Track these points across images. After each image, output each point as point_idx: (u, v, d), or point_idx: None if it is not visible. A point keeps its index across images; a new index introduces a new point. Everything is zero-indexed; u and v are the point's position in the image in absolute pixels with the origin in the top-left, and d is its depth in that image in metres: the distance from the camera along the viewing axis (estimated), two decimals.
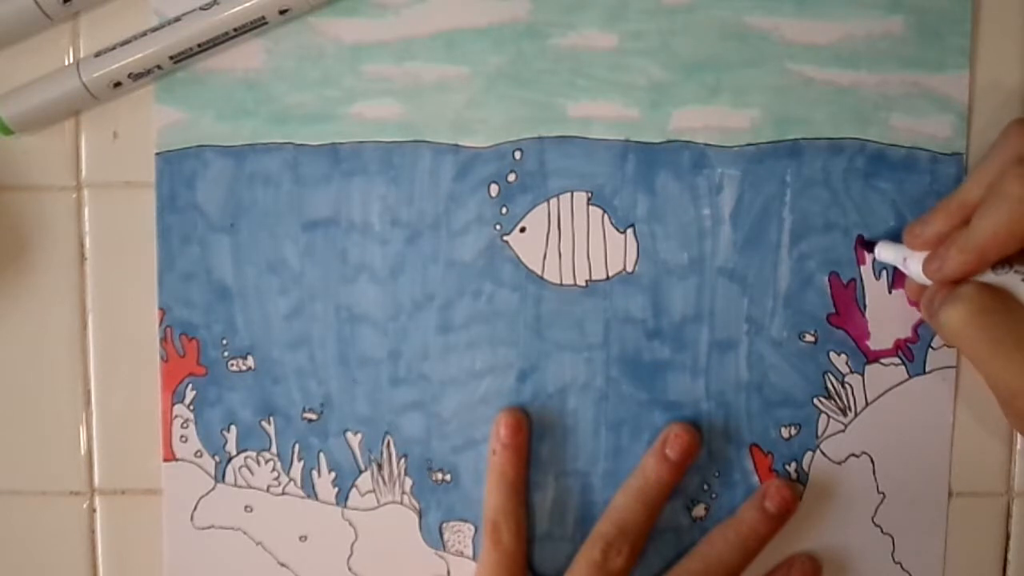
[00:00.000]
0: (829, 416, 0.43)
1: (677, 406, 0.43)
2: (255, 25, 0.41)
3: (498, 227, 0.43)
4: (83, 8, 0.42)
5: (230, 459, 0.44)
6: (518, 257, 0.43)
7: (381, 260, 0.43)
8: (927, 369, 0.43)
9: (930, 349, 0.43)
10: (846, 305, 0.43)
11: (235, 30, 0.41)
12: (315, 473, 0.44)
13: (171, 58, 0.41)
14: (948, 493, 0.43)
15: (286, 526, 0.44)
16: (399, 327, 0.43)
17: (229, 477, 0.44)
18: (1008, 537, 0.44)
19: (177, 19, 0.41)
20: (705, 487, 0.43)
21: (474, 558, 0.44)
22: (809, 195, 0.42)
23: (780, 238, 0.43)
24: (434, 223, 0.43)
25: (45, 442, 0.44)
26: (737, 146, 0.42)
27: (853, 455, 0.43)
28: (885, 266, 0.42)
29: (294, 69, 0.42)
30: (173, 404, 0.43)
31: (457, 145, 0.42)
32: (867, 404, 0.43)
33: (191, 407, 0.43)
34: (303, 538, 0.44)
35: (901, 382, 0.43)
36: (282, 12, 0.41)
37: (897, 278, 0.42)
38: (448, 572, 0.44)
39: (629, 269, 0.43)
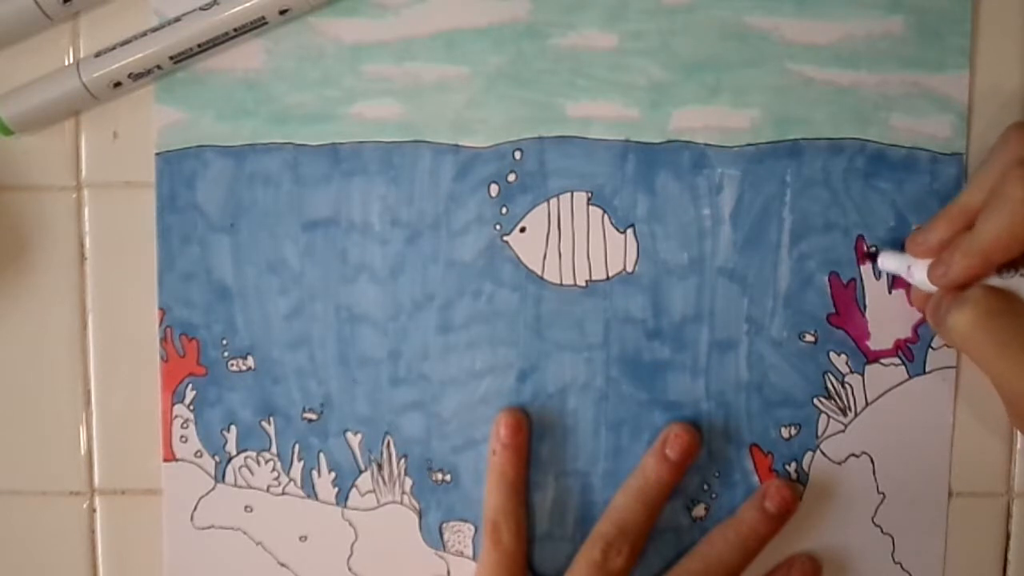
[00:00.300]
0: (829, 416, 0.43)
1: (677, 406, 0.43)
2: (255, 25, 0.41)
3: (498, 227, 0.43)
4: (83, 8, 0.42)
5: (230, 459, 0.44)
6: (518, 257, 0.43)
7: (381, 260, 0.43)
8: (927, 369, 0.43)
9: (930, 349, 0.43)
10: (846, 305, 0.43)
11: (235, 30, 0.41)
12: (315, 473, 0.44)
13: (171, 58, 0.41)
14: (948, 493, 0.43)
15: (286, 526, 0.44)
16: (399, 327, 0.43)
17: (229, 477, 0.44)
18: (1008, 537, 0.44)
19: (177, 19, 0.41)
20: (705, 487, 0.43)
21: (474, 558, 0.44)
22: (809, 195, 0.42)
23: (780, 238, 0.43)
24: (434, 223, 0.43)
25: (45, 442, 0.44)
26: (737, 146, 0.42)
27: (853, 455, 0.43)
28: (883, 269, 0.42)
29: (294, 69, 0.42)
30: (173, 404, 0.43)
31: (457, 145, 0.42)
32: (867, 404, 0.43)
33: (191, 407, 0.43)
34: (303, 538, 0.44)
35: (901, 382, 0.43)
36: (282, 12, 0.41)
37: (897, 279, 0.42)
38: (448, 572, 0.44)
39: (629, 269, 0.43)
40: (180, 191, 0.43)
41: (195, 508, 0.44)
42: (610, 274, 0.43)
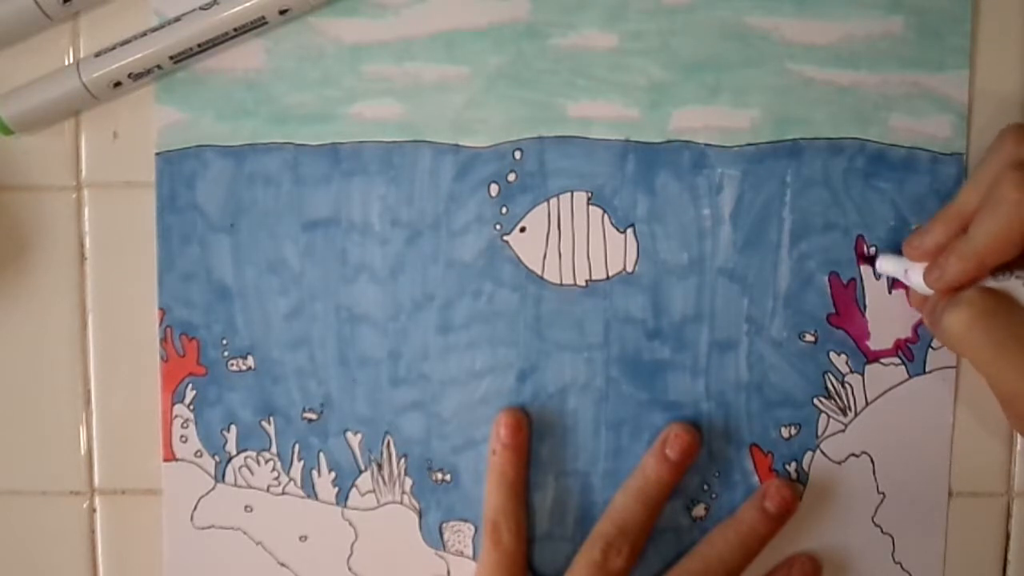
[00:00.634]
0: (829, 416, 0.43)
1: (677, 406, 0.43)
2: (255, 25, 0.41)
3: (498, 227, 0.43)
4: (83, 8, 0.42)
5: (230, 459, 0.44)
6: (518, 257, 0.43)
7: (381, 260, 0.43)
8: (927, 369, 0.43)
9: (930, 349, 0.43)
10: (846, 305, 0.43)
11: (235, 30, 0.41)
12: (315, 473, 0.44)
13: (171, 58, 0.41)
14: (948, 493, 0.43)
15: (286, 526, 0.44)
16: (399, 327, 0.43)
17: (229, 477, 0.44)
18: (1008, 537, 0.44)
19: (177, 19, 0.41)
20: (705, 487, 0.43)
21: (474, 558, 0.44)
22: (809, 195, 0.42)
23: (780, 238, 0.43)
24: (434, 223, 0.43)
25: (45, 442, 0.44)
26: (737, 146, 0.42)
27: (853, 455, 0.43)
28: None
29: (294, 69, 0.42)
30: (173, 404, 0.44)
31: (457, 145, 0.42)
32: (867, 404, 0.43)
33: (191, 407, 0.43)
34: (303, 538, 0.44)
35: (901, 382, 0.43)
36: (282, 12, 0.41)
37: (897, 279, 0.42)
38: (448, 572, 0.44)
39: (629, 269, 0.43)
40: (180, 191, 0.43)
41: (195, 508, 0.44)
42: (610, 274, 0.43)
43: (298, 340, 0.43)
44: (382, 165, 0.43)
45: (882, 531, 0.43)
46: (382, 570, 0.44)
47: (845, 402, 0.43)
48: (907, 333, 0.43)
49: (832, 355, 0.43)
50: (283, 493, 0.44)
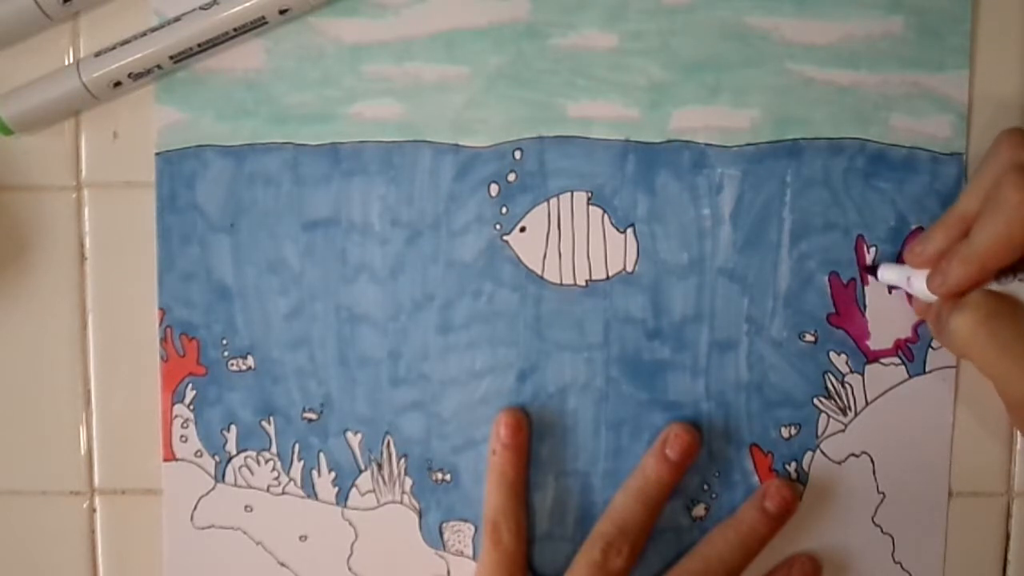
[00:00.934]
0: (829, 416, 0.43)
1: (677, 406, 0.43)
2: (255, 25, 0.41)
3: (498, 227, 0.43)
4: (83, 8, 0.42)
5: (230, 459, 0.44)
6: (518, 257, 0.43)
7: (381, 260, 0.43)
8: (927, 369, 0.43)
9: (930, 349, 0.43)
10: (846, 305, 0.43)
11: (235, 30, 0.41)
12: (315, 473, 0.44)
13: (171, 58, 0.41)
14: (948, 493, 0.43)
15: (286, 526, 0.44)
16: (399, 327, 0.43)
17: (229, 477, 0.44)
18: (1008, 537, 0.44)
19: (177, 19, 0.41)
20: (705, 487, 0.43)
21: (474, 558, 0.44)
22: (809, 195, 0.42)
23: (780, 238, 0.43)
24: (434, 223, 0.43)
25: (45, 442, 0.44)
26: (737, 146, 0.42)
27: (853, 455, 0.43)
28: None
29: (294, 69, 0.42)
30: (173, 404, 0.44)
31: (457, 145, 0.42)
32: (867, 404, 0.43)
33: (191, 407, 0.43)
34: (303, 538, 0.44)
35: (901, 382, 0.43)
36: (282, 12, 0.41)
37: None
38: (448, 572, 0.44)
39: (629, 269, 0.43)
40: (180, 191, 0.43)
41: (195, 508, 0.44)
42: (610, 274, 0.43)
43: (298, 340, 0.43)
44: (382, 165, 0.43)
45: (882, 531, 0.43)
46: (382, 570, 0.44)
47: (845, 402, 0.43)
48: (907, 333, 0.43)
49: (832, 355, 0.43)
50: (283, 493, 0.44)
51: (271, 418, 0.44)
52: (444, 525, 0.44)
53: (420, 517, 0.44)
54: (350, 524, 0.44)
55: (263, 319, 0.43)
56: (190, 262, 0.43)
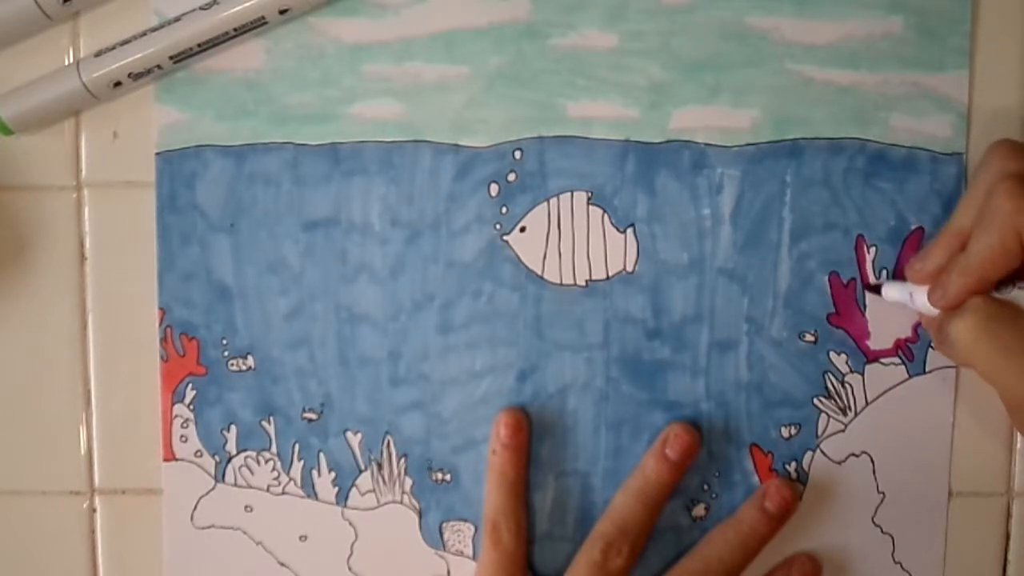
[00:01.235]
0: (829, 416, 0.43)
1: (677, 406, 0.43)
2: (255, 25, 0.41)
3: (498, 227, 0.43)
4: (83, 8, 0.42)
5: (230, 459, 0.44)
6: (518, 257, 0.43)
7: (381, 260, 0.43)
8: (927, 369, 0.43)
9: (930, 349, 0.43)
10: (846, 305, 0.43)
11: (235, 30, 0.41)
12: (315, 473, 0.44)
13: (171, 58, 0.41)
14: (948, 493, 0.43)
15: (286, 526, 0.44)
16: (399, 327, 0.43)
17: (229, 477, 0.44)
18: (1008, 537, 0.44)
19: (177, 19, 0.41)
20: (705, 487, 0.43)
21: (474, 558, 0.44)
22: (809, 195, 0.42)
23: (780, 238, 0.43)
24: (434, 223, 0.43)
25: (45, 442, 0.44)
26: (737, 146, 0.42)
27: (853, 455, 0.43)
28: (884, 269, 0.42)
29: (294, 69, 0.42)
30: (173, 404, 0.44)
31: (457, 145, 0.42)
32: (867, 404, 0.43)
33: (191, 407, 0.43)
34: (303, 538, 0.44)
35: (901, 382, 0.43)
36: (282, 12, 0.41)
37: (898, 276, 0.42)
38: (448, 572, 0.44)
39: (629, 269, 0.43)
40: (180, 191, 0.43)
41: (195, 508, 0.44)
42: (610, 274, 0.43)
43: (298, 340, 0.43)
44: (382, 165, 0.43)
45: (882, 531, 0.43)
46: (382, 570, 0.44)
47: (845, 402, 0.43)
48: (907, 333, 0.43)
49: (832, 355, 0.43)
50: (283, 493, 0.44)
51: (271, 418, 0.44)
52: (444, 525, 0.44)
53: (420, 517, 0.44)
54: (350, 524, 0.44)
55: (263, 319, 0.43)
56: (190, 262, 0.43)
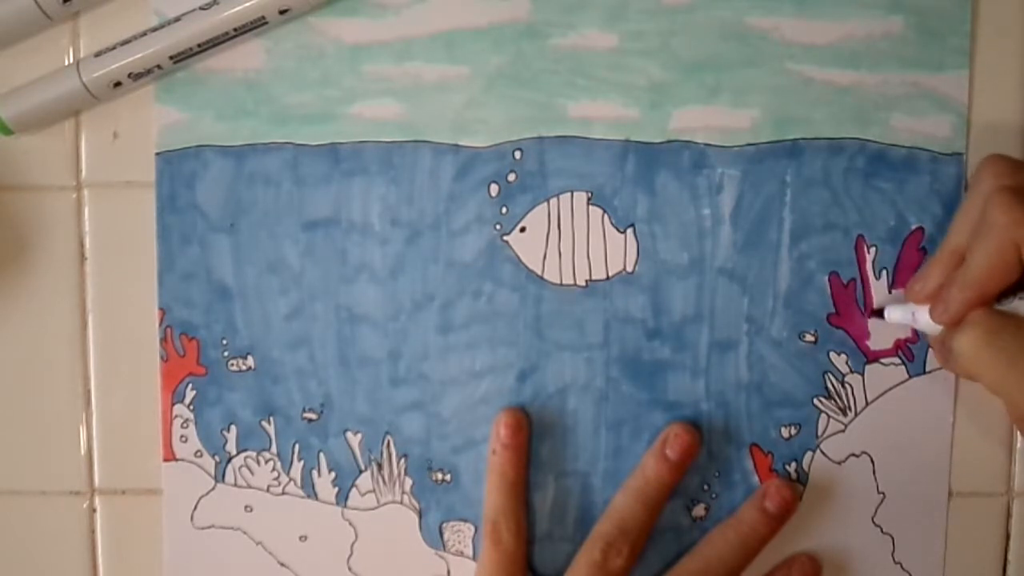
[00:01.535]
0: (829, 416, 0.43)
1: (677, 406, 0.43)
2: (255, 25, 0.41)
3: (498, 227, 0.43)
4: (83, 8, 0.42)
5: (230, 459, 0.44)
6: (518, 257, 0.43)
7: (381, 260, 0.43)
8: (927, 369, 0.43)
9: (930, 349, 0.43)
10: (846, 305, 0.43)
11: (235, 30, 0.41)
12: (315, 473, 0.44)
13: (171, 58, 0.41)
14: (948, 493, 0.43)
15: (286, 526, 0.44)
16: (399, 327, 0.43)
17: (229, 477, 0.44)
18: (1008, 537, 0.44)
19: (177, 19, 0.41)
20: (705, 487, 0.43)
21: (474, 558, 0.44)
22: (809, 195, 0.42)
23: (780, 238, 0.43)
24: (434, 223, 0.43)
25: (45, 442, 0.44)
26: (737, 146, 0.42)
27: (853, 455, 0.43)
28: (884, 269, 0.42)
29: (294, 69, 0.42)
30: (173, 404, 0.44)
31: (457, 145, 0.42)
32: (867, 404, 0.43)
33: (191, 407, 0.43)
34: (303, 538, 0.44)
35: (901, 382, 0.43)
36: (282, 12, 0.41)
37: (898, 277, 0.42)
38: (448, 572, 0.44)
39: (629, 269, 0.43)
40: (180, 191, 0.43)
41: (195, 508, 0.44)
42: (610, 274, 0.43)
43: (298, 340, 0.43)
44: (382, 165, 0.43)
45: (882, 531, 0.43)
46: (382, 570, 0.44)
47: (845, 402, 0.43)
48: (907, 333, 0.43)
49: (832, 355, 0.43)
50: (283, 493, 0.44)
51: (271, 418, 0.44)
52: (444, 525, 0.44)
53: (420, 517, 0.44)
54: (350, 524, 0.44)
55: (263, 319, 0.43)
56: (190, 262, 0.43)
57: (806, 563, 0.43)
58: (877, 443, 0.43)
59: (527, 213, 0.43)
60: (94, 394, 0.44)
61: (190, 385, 0.43)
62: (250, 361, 0.43)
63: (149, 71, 0.41)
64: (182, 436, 0.44)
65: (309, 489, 0.44)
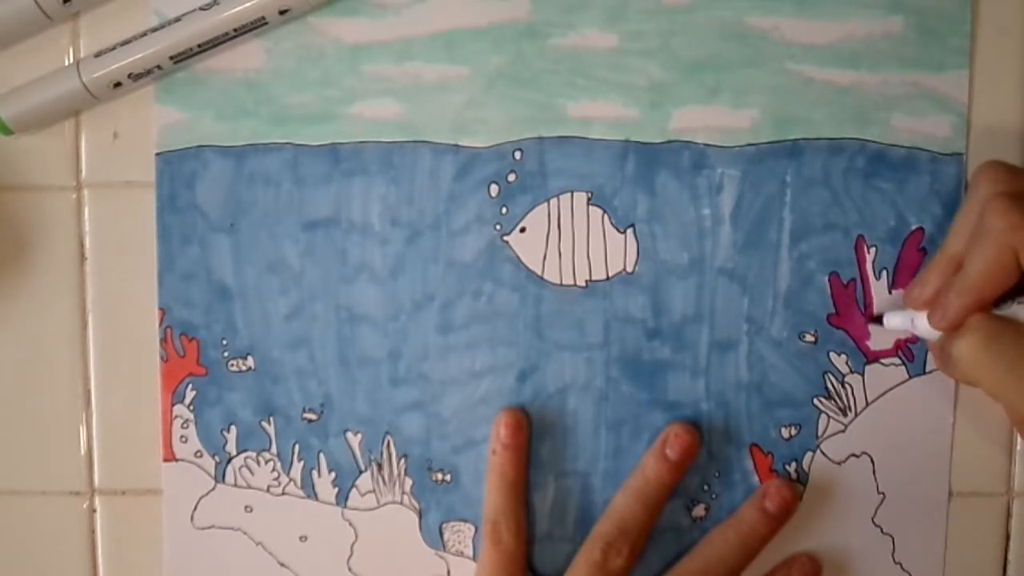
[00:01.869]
0: (829, 416, 0.43)
1: (677, 406, 0.43)
2: (255, 25, 0.41)
3: (498, 227, 0.43)
4: (83, 8, 0.42)
5: (230, 459, 0.44)
6: (518, 257, 0.43)
7: (381, 260, 0.43)
8: (927, 369, 0.43)
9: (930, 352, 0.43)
10: (846, 305, 0.43)
11: (235, 30, 0.41)
12: (315, 473, 0.44)
13: (171, 58, 0.41)
14: (948, 493, 0.43)
15: (286, 526, 0.44)
16: (399, 327, 0.43)
17: (229, 477, 0.44)
18: (1008, 537, 0.44)
19: (177, 19, 0.41)
20: (705, 487, 0.43)
21: (474, 558, 0.44)
22: (809, 195, 0.42)
23: (780, 238, 0.43)
24: (434, 223, 0.43)
25: (45, 442, 0.44)
26: (737, 146, 0.42)
27: (853, 455, 0.43)
28: (884, 269, 0.42)
29: (294, 69, 0.42)
30: (173, 404, 0.44)
31: (457, 145, 0.42)
32: (867, 404, 0.43)
33: (191, 407, 0.43)
34: (303, 538, 0.44)
35: (901, 382, 0.43)
36: (282, 12, 0.41)
37: (898, 277, 0.42)
38: (448, 572, 0.44)
39: (629, 269, 0.43)
40: (180, 191, 0.43)
41: (195, 508, 0.44)
42: (610, 274, 0.43)
43: (298, 340, 0.43)
44: (382, 165, 0.43)
45: (882, 531, 0.43)
46: (382, 570, 0.44)
47: (845, 402, 0.43)
48: (907, 334, 0.43)
49: (832, 355, 0.43)
50: (283, 493, 0.44)
51: (271, 418, 0.44)
52: (444, 525, 0.44)
53: (420, 517, 0.44)
54: (350, 524, 0.44)
55: (263, 319, 0.43)
56: (190, 262, 0.43)
57: (806, 563, 0.43)
58: (877, 443, 0.43)
59: (527, 213, 0.43)
60: (94, 394, 0.44)
61: (190, 385, 0.43)
62: (250, 361, 0.43)
63: (149, 71, 0.41)
64: (182, 436, 0.44)
65: (309, 489, 0.44)
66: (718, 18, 0.42)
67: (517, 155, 0.42)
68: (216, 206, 0.43)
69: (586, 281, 0.43)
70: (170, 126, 0.43)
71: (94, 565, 0.44)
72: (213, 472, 0.44)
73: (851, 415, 0.43)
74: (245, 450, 0.44)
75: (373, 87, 0.42)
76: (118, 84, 0.41)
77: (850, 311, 0.43)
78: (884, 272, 0.43)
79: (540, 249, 0.43)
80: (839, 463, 0.43)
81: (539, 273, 0.43)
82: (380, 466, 0.44)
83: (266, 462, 0.44)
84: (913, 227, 0.42)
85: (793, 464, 0.43)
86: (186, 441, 0.44)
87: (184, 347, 0.43)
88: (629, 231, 0.43)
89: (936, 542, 0.43)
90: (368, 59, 0.42)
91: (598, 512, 0.43)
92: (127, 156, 0.43)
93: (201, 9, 0.41)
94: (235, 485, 0.44)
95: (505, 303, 0.43)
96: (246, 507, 0.44)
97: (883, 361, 0.43)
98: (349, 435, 0.43)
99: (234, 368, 0.43)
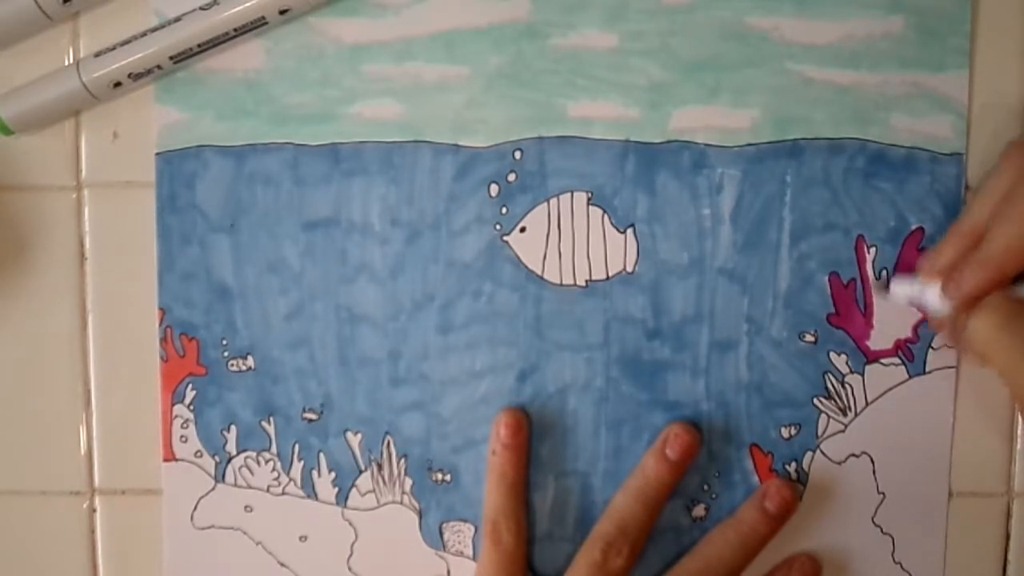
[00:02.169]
0: (829, 416, 0.43)
1: (677, 406, 0.43)
2: (255, 25, 0.41)
3: (498, 227, 0.43)
4: (83, 8, 0.42)
5: (230, 459, 0.44)
6: (518, 257, 0.43)
7: (381, 260, 0.43)
8: (927, 369, 0.43)
9: (930, 349, 0.43)
10: (846, 305, 0.43)
11: (235, 30, 0.41)
12: (315, 473, 0.44)
13: (171, 58, 0.41)
14: (948, 493, 0.43)
15: (286, 526, 0.44)
16: (399, 327, 0.43)
17: (229, 477, 0.44)
18: (1008, 537, 0.44)
19: (177, 19, 0.41)
20: (705, 487, 0.43)
21: (474, 558, 0.44)
22: (809, 195, 0.42)
23: (780, 238, 0.43)
24: (434, 223, 0.43)
25: (45, 442, 0.44)
26: (737, 146, 0.42)
27: (853, 455, 0.43)
28: (884, 269, 0.42)
29: (294, 69, 0.42)
30: (173, 404, 0.44)
31: (457, 145, 0.42)
32: (867, 404, 0.43)
33: (191, 407, 0.43)
34: (303, 538, 0.44)
35: (901, 382, 0.43)
36: (282, 12, 0.41)
37: (897, 278, 0.42)
38: (448, 572, 0.44)
39: (629, 269, 0.43)
40: (180, 191, 0.43)
41: (195, 508, 0.44)
42: (610, 274, 0.43)
43: (298, 340, 0.43)
44: (382, 165, 0.43)
45: (882, 531, 0.43)
46: (382, 570, 0.44)
47: (845, 402, 0.43)
48: (907, 333, 0.43)
49: (832, 355, 0.43)
50: (283, 493, 0.44)
51: (271, 418, 0.44)
52: (444, 525, 0.44)
53: (420, 517, 0.44)
54: (350, 524, 0.44)
55: (263, 319, 0.43)
56: (190, 262, 0.43)
57: (806, 563, 0.43)
58: (877, 443, 0.43)
59: (527, 213, 0.43)
60: (94, 394, 0.44)
61: (190, 385, 0.43)
62: (250, 361, 0.43)
63: (149, 71, 0.41)
64: (182, 436, 0.44)
65: (309, 489, 0.44)
66: (718, 18, 0.42)
67: (517, 155, 0.42)
68: (216, 206, 0.43)
69: (586, 281, 0.43)
70: (170, 126, 0.43)
71: (94, 565, 0.44)
72: (213, 472, 0.44)
73: (851, 415, 0.43)
74: (245, 450, 0.44)
75: (373, 87, 0.42)
76: (118, 84, 0.41)
77: (850, 311, 0.43)
78: (884, 272, 0.43)
79: (540, 249, 0.43)
80: (839, 463, 0.43)
81: (539, 273, 0.43)
82: (380, 466, 0.44)
83: (266, 462, 0.44)
84: (913, 227, 0.42)
85: (793, 464, 0.43)
86: (186, 441, 0.44)
87: (184, 347, 0.43)
88: (629, 231, 0.43)
89: (936, 542, 0.43)
90: (368, 59, 0.42)
91: (598, 512, 0.43)
92: (127, 156, 0.43)
93: (201, 9, 0.41)
94: (235, 485, 0.44)
95: (505, 303, 0.43)
96: (246, 507, 0.44)
97: (883, 361, 0.43)
98: (349, 435, 0.44)
99: (234, 368, 0.43)
